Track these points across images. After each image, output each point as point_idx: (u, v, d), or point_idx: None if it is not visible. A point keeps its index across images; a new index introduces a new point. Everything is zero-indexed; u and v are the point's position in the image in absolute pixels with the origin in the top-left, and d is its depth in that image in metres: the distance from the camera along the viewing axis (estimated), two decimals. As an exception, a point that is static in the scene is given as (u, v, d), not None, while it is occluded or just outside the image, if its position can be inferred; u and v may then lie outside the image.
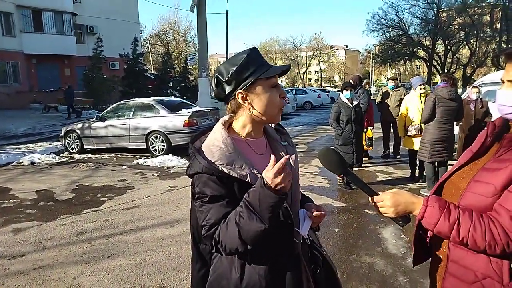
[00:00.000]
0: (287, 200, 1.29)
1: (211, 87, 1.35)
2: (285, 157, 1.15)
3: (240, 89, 1.25)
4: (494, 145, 1.27)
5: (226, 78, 1.26)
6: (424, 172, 5.80)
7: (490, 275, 1.15)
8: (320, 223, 1.47)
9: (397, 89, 8.09)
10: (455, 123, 5.56)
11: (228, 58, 1.35)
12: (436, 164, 5.44)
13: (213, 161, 1.20)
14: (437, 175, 5.42)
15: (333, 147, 1.29)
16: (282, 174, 1.12)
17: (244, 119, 1.31)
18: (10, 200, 5.68)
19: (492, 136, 1.28)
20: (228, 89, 1.27)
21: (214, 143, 1.25)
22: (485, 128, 1.32)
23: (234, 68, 1.24)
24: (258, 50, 1.31)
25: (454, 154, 5.71)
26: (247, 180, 1.20)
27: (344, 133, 5.68)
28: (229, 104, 1.30)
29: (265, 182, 1.13)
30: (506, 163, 1.15)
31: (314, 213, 1.35)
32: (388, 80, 8.83)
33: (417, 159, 5.88)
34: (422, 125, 5.57)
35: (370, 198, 1.29)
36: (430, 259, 1.39)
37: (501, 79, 1.26)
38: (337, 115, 5.75)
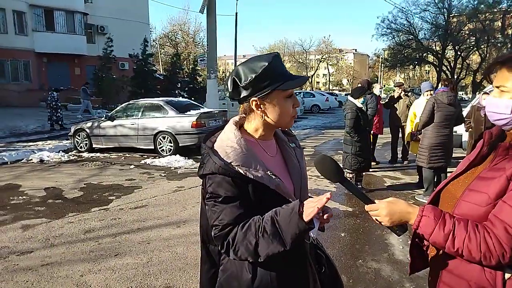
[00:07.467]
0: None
1: (225, 86, 1.30)
2: (327, 196, 1.13)
3: (256, 97, 1.24)
4: (491, 154, 1.26)
5: (244, 84, 1.23)
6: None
7: (483, 285, 1.14)
8: (326, 224, 1.45)
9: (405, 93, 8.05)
10: (461, 129, 5.49)
11: (250, 59, 1.30)
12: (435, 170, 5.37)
13: (229, 162, 1.19)
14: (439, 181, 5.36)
15: (329, 155, 1.27)
16: (317, 210, 1.13)
17: (256, 123, 1.31)
18: (20, 197, 5.74)
19: (488, 145, 1.27)
20: (244, 93, 1.25)
21: (228, 144, 1.24)
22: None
23: (253, 76, 1.21)
24: (279, 57, 1.28)
25: (459, 160, 5.64)
26: (262, 182, 1.20)
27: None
28: (243, 105, 1.30)
29: (301, 210, 1.14)
30: (500, 172, 1.14)
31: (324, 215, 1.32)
32: (395, 86, 8.76)
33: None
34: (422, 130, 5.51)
35: (365, 206, 1.27)
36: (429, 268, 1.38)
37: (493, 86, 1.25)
38: (356, 121, 5.51)
